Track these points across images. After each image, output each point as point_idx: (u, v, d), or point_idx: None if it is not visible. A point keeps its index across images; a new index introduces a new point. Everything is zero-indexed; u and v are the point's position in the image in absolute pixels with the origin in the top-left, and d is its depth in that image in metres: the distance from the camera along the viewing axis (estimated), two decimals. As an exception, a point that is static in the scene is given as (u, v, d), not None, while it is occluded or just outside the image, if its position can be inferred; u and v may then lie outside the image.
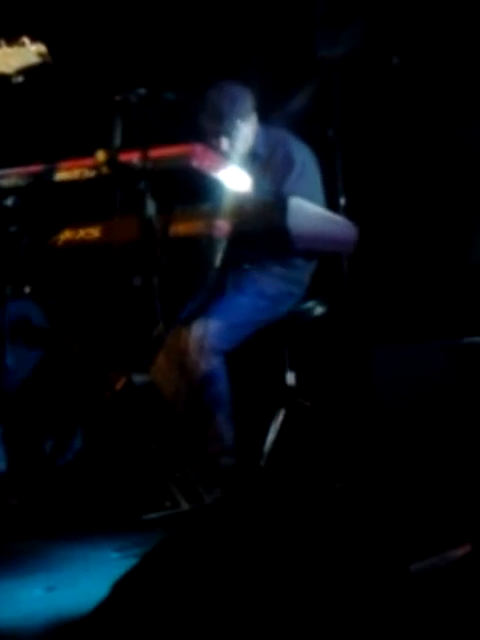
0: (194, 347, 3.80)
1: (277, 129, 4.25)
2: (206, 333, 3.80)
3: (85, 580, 2.94)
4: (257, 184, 3.97)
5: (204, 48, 4.67)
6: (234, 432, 3.91)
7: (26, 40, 3.57)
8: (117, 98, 3.61)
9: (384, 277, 4.51)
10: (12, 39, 3.58)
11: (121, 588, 1.97)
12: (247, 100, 4.13)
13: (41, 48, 3.58)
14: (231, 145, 4.10)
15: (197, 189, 3.65)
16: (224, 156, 4.05)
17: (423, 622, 2.01)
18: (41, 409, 4.16)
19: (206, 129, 4.11)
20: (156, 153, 3.59)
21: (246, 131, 4.13)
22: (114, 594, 1.96)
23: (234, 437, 3.90)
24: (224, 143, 4.09)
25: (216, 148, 4.04)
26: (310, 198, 3.92)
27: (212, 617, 1.95)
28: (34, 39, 3.58)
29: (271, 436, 3.98)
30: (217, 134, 4.08)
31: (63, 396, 4.13)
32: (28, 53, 3.58)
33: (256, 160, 4.15)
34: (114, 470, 3.72)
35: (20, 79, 3.60)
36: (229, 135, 4.09)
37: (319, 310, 4.16)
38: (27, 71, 3.59)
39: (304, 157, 4.14)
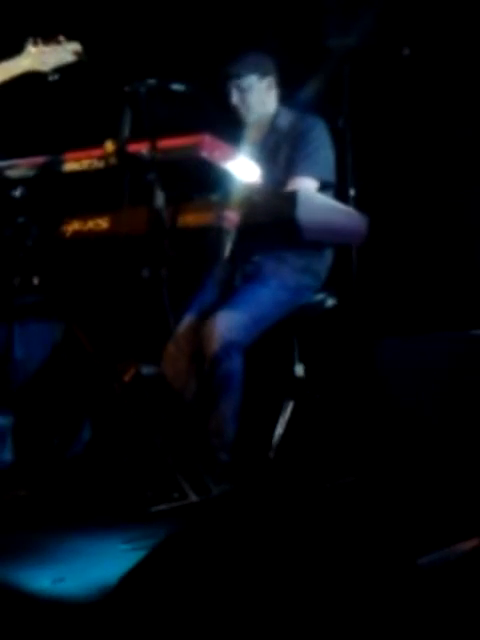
0: (213, 339, 3.77)
1: (300, 109, 4.25)
2: (226, 326, 3.78)
3: (93, 572, 2.93)
4: (272, 160, 3.99)
5: (213, 38, 4.66)
6: (236, 428, 3.88)
7: (62, 38, 3.65)
8: (126, 89, 3.60)
9: (393, 269, 4.49)
10: (49, 38, 3.64)
11: (128, 582, 1.96)
12: (265, 62, 4.15)
13: (76, 47, 3.68)
14: (243, 100, 4.11)
15: (206, 180, 3.63)
16: (237, 111, 4.07)
17: (431, 616, 2.00)
18: (50, 401, 4.16)
19: (226, 90, 4.12)
20: (165, 144, 3.58)
21: (261, 92, 4.13)
22: (121, 587, 1.96)
23: (235, 433, 3.88)
24: (234, 96, 4.10)
25: (231, 106, 4.07)
26: (323, 170, 3.96)
27: (219, 610, 1.94)
28: (69, 38, 3.64)
29: (280, 428, 3.97)
30: (229, 87, 4.10)
31: (72, 388, 4.12)
32: (64, 51, 3.68)
33: (276, 132, 4.16)
34: (122, 462, 3.71)
35: (56, 77, 3.67)
36: (240, 89, 4.10)
37: (329, 302, 4.14)
38: (62, 69, 3.66)
39: (321, 132, 4.14)
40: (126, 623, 1.94)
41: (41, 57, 3.68)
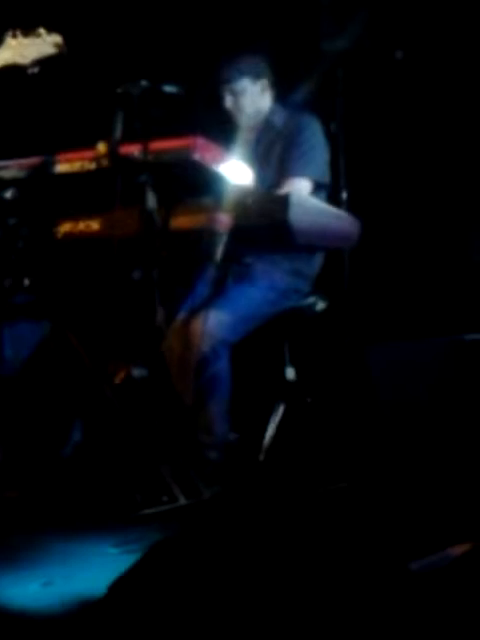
0: (200, 337, 3.77)
1: (294, 107, 4.24)
2: (213, 323, 3.78)
3: (82, 575, 2.92)
4: (265, 159, 3.99)
5: (207, 40, 4.65)
6: (226, 429, 3.87)
7: (42, 31, 3.59)
8: (118, 90, 3.59)
9: (385, 273, 4.49)
10: (28, 30, 3.59)
11: (118, 588, 1.95)
12: (258, 64, 4.15)
13: (57, 39, 3.60)
14: (236, 104, 4.10)
15: (198, 182, 3.63)
16: (229, 116, 4.07)
17: (423, 620, 1.99)
18: (40, 402, 4.14)
19: (220, 94, 4.12)
20: (157, 146, 3.58)
21: (255, 95, 4.13)
22: (111, 594, 1.95)
23: (226, 433, 3.87)
24: (228, 100, 4.10)
25: (225, 110, 4.08)
26: (317, 170, 3.97)
27: (211, 615, 1.93)
28: (50, 30, 3.60)
29: (270, 431, 3.96)
30: (222, 92, 4.11)
31: (62, 389, 4.11)
32: (44, 44, 3.60)
33: (270, 130, 4.16)
34: (112, 464, 3.70)
35: (36, 70, 3.61)
36: (234, 93, 4.09)
37: (320, 305, 4.14)
38: (43, 62, 3.60)
39: (316, 131, 4.13)
40: (117, 629, 1.93)
41: (20, 50, 3.60)
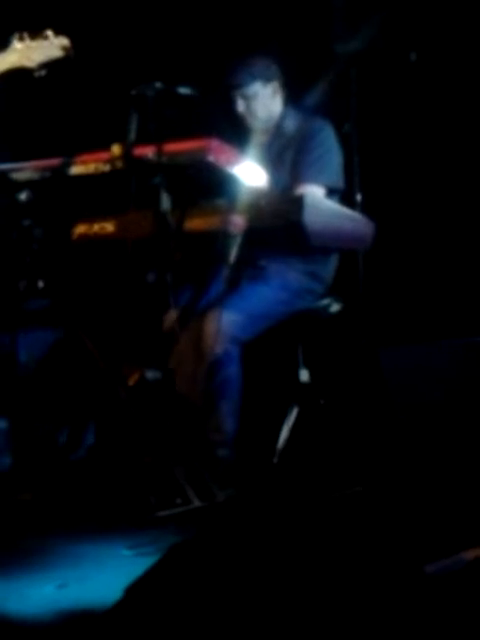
0: (213, 336, 3.76)
1: (307, 111, 4.23)
2: (225, 322, 3.77)
3: (96, 577, 2.92)
4: (278, 163, 3.98)
5: (220, 42, 4.65)
6: (236, 426, 3.87)
7: (50, 33, 3.58)
8: (133, 92, 3.59)
9: (400, 275, 4.48)
10: (35, 33, 3.58)
11: (134, 592, 1.95)
12: (268, 67, 4.14)
13: (64, 42, 3.59)
14: (248, 108, 4.10)
15: (212, 184, 3.63)
16: (242, 120, 4.06)
17: (438, 623, 1.98)
18: (54, 404, 4.15)
19: (231, 99, 4.11)
20: (171, 147, 3.58)
21: (266, 98, 4.12)
22: (127, 598, 1.95)
23: (235, 431, 3.86)
24: (240, 105, 4.09)
25: (237, 114, 4.06)
26: (331, 176, 3.98)
27: (224, 619, 1.93)
28: (57, 33, 3.58)
29: (284, 433, 3.96)
30: (234, 97, 4.09)
31: (76, 391, 4.11)
32: (51, 46, 3.59)
33: (282, 134, 4.15)
34: (126, 466, 3.70)
35: (43, 73, 3.60)
36: (245, 97, 4.09)
37: (334, 307, 4.13)
38: (50, 65, 3.59)
39: (329, 136, 4.13)
40: (134, 632, 1.92)
41: (27, 53, 3.58)
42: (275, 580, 2.02)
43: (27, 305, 3.95)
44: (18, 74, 3.64)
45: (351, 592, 2.01)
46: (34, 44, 3.59)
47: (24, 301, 3.91)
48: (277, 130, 4.18)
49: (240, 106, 4.12)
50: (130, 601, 1.95)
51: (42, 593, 2.80)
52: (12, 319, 3.90)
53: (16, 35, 3.61)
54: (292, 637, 1.92)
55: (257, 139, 4.13)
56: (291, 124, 4.18)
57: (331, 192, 4.07)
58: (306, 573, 2.04)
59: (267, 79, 4.13)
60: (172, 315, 3.71)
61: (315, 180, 4.04)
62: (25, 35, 3.60)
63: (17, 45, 3.61)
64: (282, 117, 4.20)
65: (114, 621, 1.94)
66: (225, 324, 3.77)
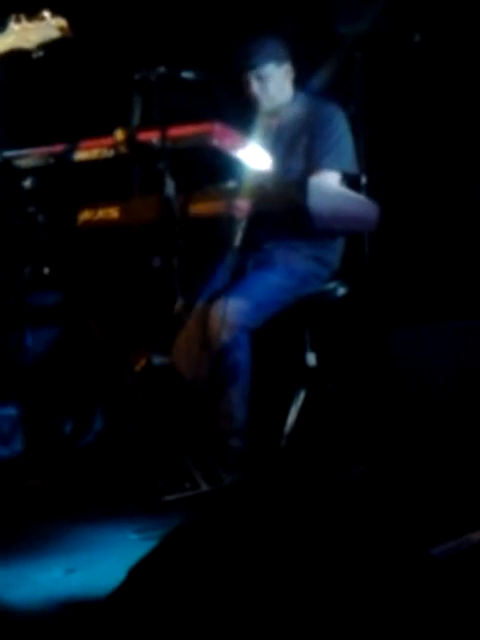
0: (219, 323, 3.76)
1: (317, 95, 4.22)
2: (232, 309, 3.77)
3: (104, 562, 2.93)
4: (290, 149, 3.97)
5: (224, 25, 4.63)
6: (247, 414, 3.87)
7: (47, 14, 3.56)
8: (136, 77, 3.58)
9: (407, 257, 4.47)
10: (32, 14, 3.56)
11: (137, 573, 1.95)
12: (281, 47, 4.11)
13: (61, 22, 3.56)
14: (263, 90, 4.07)
15: (217, 168, 3.62)
16: (255, 100, 4.04)
17: (443, 606, 1.98)
18: (62, 391, 4.16)
19: (240, 79, 4.08)
20: (175, 132, 3.57)
21: (280, 79, 4.10)
22: (130, 579, 1.95)
23: (246, 419, 3.86)
24: (255, 85, 4.07)
25: (249, 96, 4.05)
26: (347, 162, 3.98)
27: (228, 601, 1.93)
28: (55, 13, 3.56)
29: (292, 417, 3.96)
30: (248, 77, 4.06)
31: (83, 377, 4.12)
32: (49, 27, 3.56)
33: (294, 119, 4.13)
34: (134, 451, 3.71)
35: (40, 54, 3.58)
36: (260, 78, 4.06)
37: (341, 291, 4.12)
38: (47, 46, 3.57)
39: (341, 121, 4.11)
40: (134, 616, 1.93)
41: (25, 34, 3.55)
42: (279, 562, 2.02)
43: (34, 300, 3.96)
44: (18, 57, 3.63)
45: (356, 575, 2.01)
46: (31, 25, 3.56)
47: (30, 293, 3.92)
48: (288, 115, 4.15)
49: (255, 87, 4.08)
50: (133, 582, 1.96)
51: (50, 578, 2.81)
52: (20, 312, 3.92)
53: (13, 17, 3.58)
54: (296, 621, 1.92)
55: (264, 123, 4.09)
56: (302, 109, 4.15)
57: (346, 177, 4.07)
58: (310, 555, 2.04)
59: (280, 60, 4.10)
60: (179, 301, 3.71)
61: (332, 167, 4.02)
62: (22, 16, 3.57)
63: (14, 26, 3.57)
64: (292, 101, 4.17)
65: (117, 602, 1.94)
66: (232, 312, 3.76)
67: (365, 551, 2.08)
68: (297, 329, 4.15)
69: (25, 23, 3.57)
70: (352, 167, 4.09)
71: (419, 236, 4.46)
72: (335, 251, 4.13)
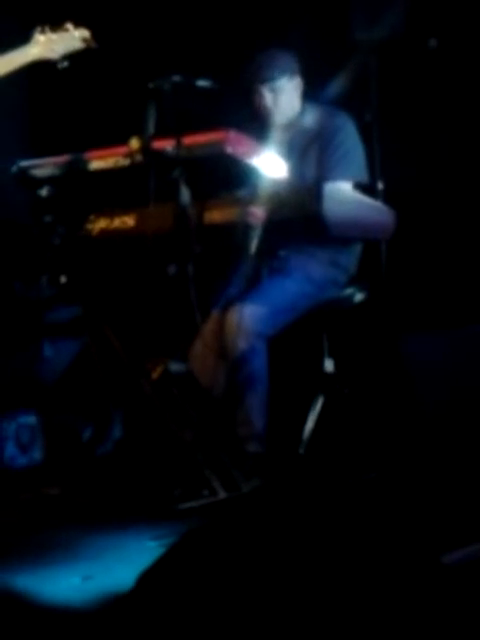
0: (236, 330, 3.77)
1: (326, 105, 4.22)
2: (249, 316, 3.77)
3: (122, 569, 2.93)
4: (302, 159, 3.97)
5: (239, 33, 4.64)
6: (266, 420, 3.87)
7: (70, 26, 3.63)
8: (150, 85, 3.59)
9: (423, 263, 4.46)
10: (56, 25, 3.63)
11: (147, 579, 1.96)
12: (293, 61, 4.12)
13: (85, 33, 3.65)
14: (275, 103, 4.08)
15: (231, 176, 3.63)
16: (267, 113, 4.05)
17: (454, 613, 1.98)
18: (79, 399, 4.17)
19: (251, 91, 4.09)
20: (190, 140, 3.58)
21: (291, 92, 4.11)
22: (140, 585, 1.96)
23: (265, 425, 3.86)
24: (268, 98, 4.07)
25: (260, 108, 4.05)
26: (357, 171, 3.98)
27: (238, 605, 1.94)
28: (77, 25, 3.63)
29: (310, 423, 3.96)
30: (261, 90, 4.07)
31: (101, 386, 4.13)
32: (72, 38, 3.66)
33: (304, 131, 4.13)
34: (152, 459, 3.71)
35: (65, 64, 3.66)
36: (273, 91, 4.07)
37: (358, 297, 4.12)
38: (72, 57, 3.64)
39: (351, 132, 4.12)
40: (144, 620, 1.94)
41: (50, 45, 3.66)
42: (290, 568, 2.02)
43: (53, 317, 3.98)
44: (35, 68, 3.68)
45: (367, 582, 2.01)
46: (55, 36, 3.67)
47: (49, 310, 3.94)
48: (298, 126, 4.15)
49: (268, 99, 4.08)
50: (144, 587, 1.96)
51: (68, 585, 2.83)
52: (38, 325, 3.94)
53: (38, 28, 3.67)
54: (309, 623, 1.92)
55: (276, 135, 4.10)
56: (312, 120, 4.15)
57: (357, 186, 4.06)
58: (321, 562, 2.04)
59: (292, 73, 4.11)
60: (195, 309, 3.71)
61: (342, 177, 4.02)
62: (46, 28, 3.67)
63: (39, 38, 3.68)
64: (302, 113, 4.18)
65: (127, 607, 1.95)
66: (249, 319, 3.77)
67: (377, 559, 2.08)
68: (315, 335, 4.15)
69: (50, 34, 3.66)
70: (363, 176, 4.08)
71: (436, 242, 4.45)
72: (352, 254, 4.12)
